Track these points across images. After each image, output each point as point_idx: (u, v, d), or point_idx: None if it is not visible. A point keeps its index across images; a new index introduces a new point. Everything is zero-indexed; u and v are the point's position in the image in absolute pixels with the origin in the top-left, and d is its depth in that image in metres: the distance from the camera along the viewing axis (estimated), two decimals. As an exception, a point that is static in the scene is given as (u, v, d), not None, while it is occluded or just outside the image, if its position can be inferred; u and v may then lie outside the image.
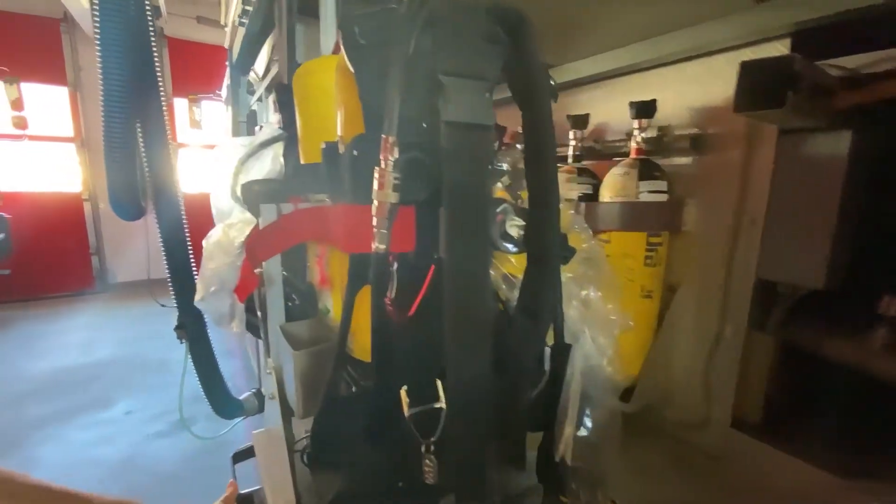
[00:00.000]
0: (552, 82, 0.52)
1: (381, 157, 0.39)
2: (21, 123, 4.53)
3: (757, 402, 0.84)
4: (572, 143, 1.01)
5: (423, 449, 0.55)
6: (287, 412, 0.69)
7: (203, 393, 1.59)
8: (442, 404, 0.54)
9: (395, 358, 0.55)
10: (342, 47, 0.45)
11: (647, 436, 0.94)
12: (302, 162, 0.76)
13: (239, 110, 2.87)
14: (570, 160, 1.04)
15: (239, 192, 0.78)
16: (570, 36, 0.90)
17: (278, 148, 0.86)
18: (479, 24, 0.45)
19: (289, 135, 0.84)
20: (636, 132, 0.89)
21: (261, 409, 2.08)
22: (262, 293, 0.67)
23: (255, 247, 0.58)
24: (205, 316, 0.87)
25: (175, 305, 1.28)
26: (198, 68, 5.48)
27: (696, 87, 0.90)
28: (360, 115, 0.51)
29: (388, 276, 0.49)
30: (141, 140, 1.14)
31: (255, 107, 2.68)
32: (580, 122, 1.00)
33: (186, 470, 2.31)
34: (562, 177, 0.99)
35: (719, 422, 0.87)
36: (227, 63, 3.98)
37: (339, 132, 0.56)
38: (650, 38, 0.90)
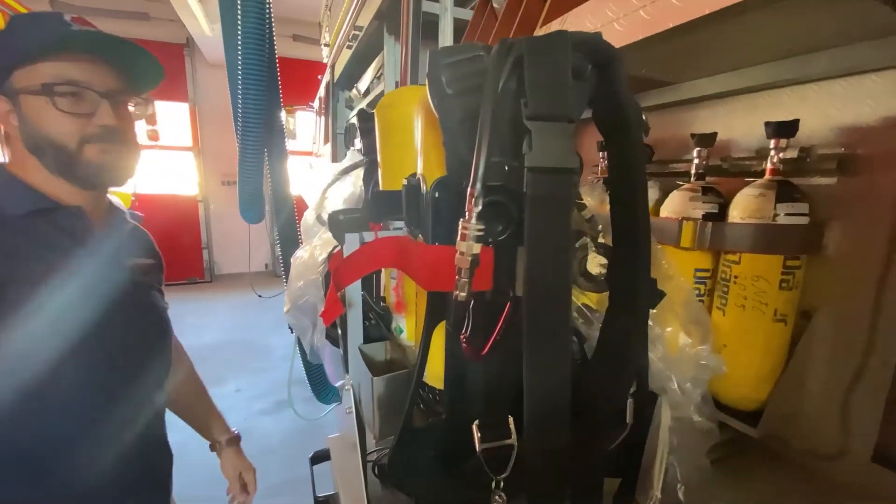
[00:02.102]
0: (643, 116, 0.48)
1: (466, 209, 0.39)
2: (154, 136, 5.34)
3: (905, 437, 0.76)
4: (696, 160, 0.95)
5: (493, 485, 0.55)
6: (362, 427, 0.73)
7: (306, 378, 1.77)
8: (513, 441, 0.54)
9: (467, 393, 0.56)
10: (429, 96, 0.46)
11: (774, 464, 0.88)
12: (381, 188, 0.80)
13: (336, 123, 3.12)
14: (692, 178, 0.98)
15: (324, 217, 0.84)
16: (696, 55, 0.84)
17: (359, 171, 0.92)
18: (566, 63, 0.43)
19: (369, 160, 0.89)
20: (773, 152, 0.82)
21: (354, 397, 2.26)
22: (342, 314, 0.72)
23: (339, 273, 0.62)
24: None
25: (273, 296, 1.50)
26: (293, 82, 6.03)
27: (842, 106, 0.81)
28: (442, 156, 0.52)
29: (458, 317, 0.50)
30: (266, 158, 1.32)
31: (353, 121, 2.89)
32: (707, 140, 0.94)
33: (289, 445, 2.59)
34: (685, 195, 0.94)
35: (859, 455, 0.79)
36: (319, 77, 4.32)
37: (419, 170, 0.58)
38: (790, 58, 0.83)
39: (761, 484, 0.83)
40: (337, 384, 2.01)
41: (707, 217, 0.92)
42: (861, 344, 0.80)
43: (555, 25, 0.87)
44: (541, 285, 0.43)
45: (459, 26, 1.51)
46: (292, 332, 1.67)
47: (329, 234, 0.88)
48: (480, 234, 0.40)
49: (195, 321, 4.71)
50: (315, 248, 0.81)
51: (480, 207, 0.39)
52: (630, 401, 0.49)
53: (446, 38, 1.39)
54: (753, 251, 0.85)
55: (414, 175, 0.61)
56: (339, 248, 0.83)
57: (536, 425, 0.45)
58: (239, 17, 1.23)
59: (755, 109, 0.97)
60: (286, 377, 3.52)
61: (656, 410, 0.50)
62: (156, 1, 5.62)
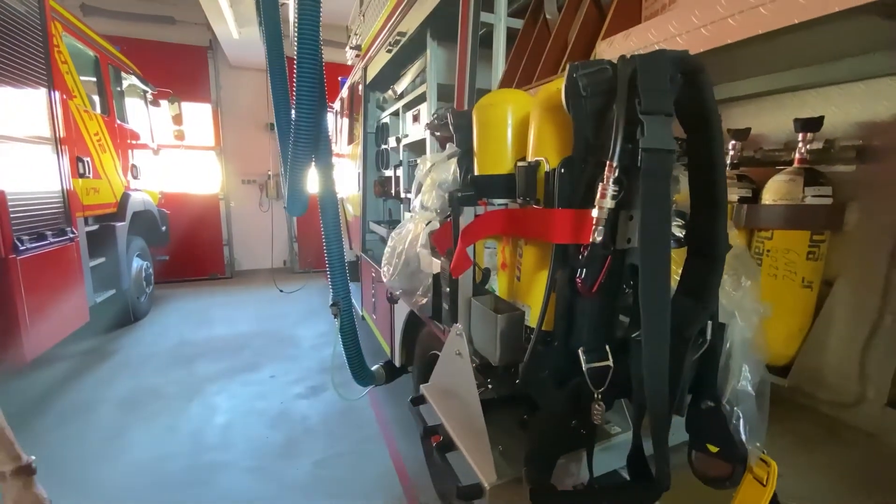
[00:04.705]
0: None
1: (605, 176, 0.56)
2: (180, 136, 5.52)
3: (915, 383, 0.91)
4: (731, 152, 1.11)
5: (594, 396, 0.71)
6: (470, 367, 0.89)
7: (346, 360, 1.92)
8: (610, 363, 0.71)
9: (574, 326, 0.72)
10: (564, 97, 0.62)
11: (801, 411, 1.04)
12: (476, 173, 0.96)
13: (367, 122, 3.27)
14: (728, 167, 1.14)
15: (426, 201, 1.00)
16: (736, 62, 0.99)
17: (452, 161, 1.08)
18: (666, 72, 0.60)
19: (463, 151, 1.05)
20: (801, 144, 0.98)
21: (387, 379, 2.43)
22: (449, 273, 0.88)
23: (465, 235, 0.79)
24: (399, 291, 1.11)
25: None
26: (313, 83, 6.21)
27: (860, 105, 0.97)
28: (557, 143, 0.69)
29: (586, 262, 0.66)
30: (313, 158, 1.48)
31: (386, 120, 3.04)
32: (741, 134, 1.11)
33: (326, 425, 2.80)
34: None
35: (874, 401, 0.94)
36: (340, 79, 4.49)
37: (530, 155, 0.75)
38: (815, 65, 0.98)
39: (787, 428, 0.98)
40: (373, 368, 2.18)
41: (742, 200, 1.09)
42: (876, 306, 0.96)
43: (618, 39, 1.03)
44: (652, 235, 0.59)
45: (509, 35, 1.67)
46: (335, 318, 1.82)
47: (426, 214, 1.04)
48: (615, 193, 0.56)
49: (224, 314, 4.90)
50: (416, 223, 0.97)
51: (616, 174, 0.56)
52: (709, 322, 0.65)
53: (500, 44, 1.56)
54: (784, 228, 1.02)
55: (523, 158, 0.78)
56: (438, 222, 1.00)
57: (652, 343, 0.61)
58: (295, 20, 1.38)
59: (783, 108, 1.13)
60: (317, 365, 3.71)
61: (727, 333, 0.66)
62: (181, 5, 5.81)
